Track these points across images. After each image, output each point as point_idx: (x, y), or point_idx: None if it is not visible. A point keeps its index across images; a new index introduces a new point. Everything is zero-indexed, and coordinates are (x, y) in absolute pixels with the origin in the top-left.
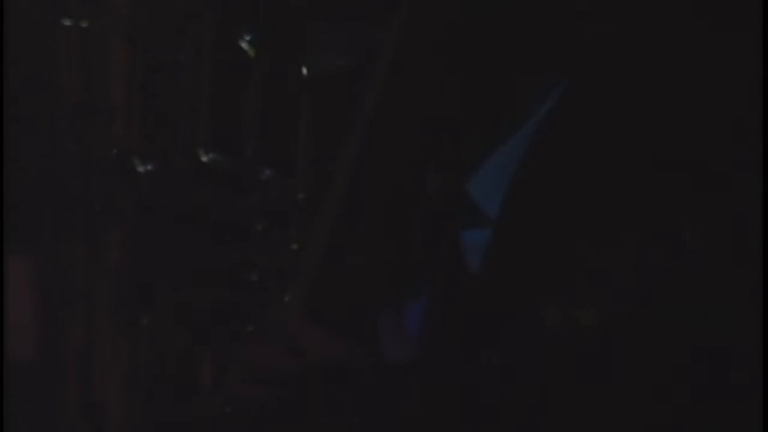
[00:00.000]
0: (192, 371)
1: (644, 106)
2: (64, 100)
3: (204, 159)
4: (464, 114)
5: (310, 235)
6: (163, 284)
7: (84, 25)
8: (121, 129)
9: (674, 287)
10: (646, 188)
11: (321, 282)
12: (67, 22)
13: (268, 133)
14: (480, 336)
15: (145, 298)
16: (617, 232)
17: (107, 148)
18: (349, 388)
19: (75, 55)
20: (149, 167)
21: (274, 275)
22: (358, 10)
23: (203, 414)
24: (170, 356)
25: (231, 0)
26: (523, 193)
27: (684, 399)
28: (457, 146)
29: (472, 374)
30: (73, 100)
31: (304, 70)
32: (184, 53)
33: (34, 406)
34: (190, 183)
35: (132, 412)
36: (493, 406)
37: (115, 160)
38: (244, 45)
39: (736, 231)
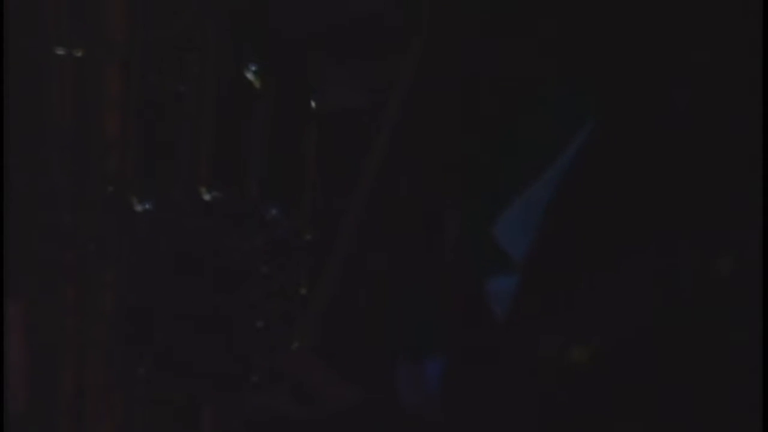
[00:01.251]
0: (192, 426)
1: (667, 148)
2: (56, 133)
3: (206, 197)
4: (485, 154)
5: (320, 278)
6: (161, 331)
7: (78, 53)
8: (117, 164)
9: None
10: (672, 226)
11: (331, 327)
12: (59, 51)
13: (273, 170)
14: (503, 390)
15: (141, 346)
16: (640, 276)
17: (102, 184)
18: None
19: (68, 86)
20: (147, 205)
21: (280, 321)
22: (369, 44)
23: None
24: (168, 409)
25: (235, 27)
26: (551, 238)
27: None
28: (479, 188)
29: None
30: (66, 133)
31: (312, 104)
32: (185, 84)
33: None
34: (191, 223)
35: None
36: None
37: (110, 198)
38: (248, 75)
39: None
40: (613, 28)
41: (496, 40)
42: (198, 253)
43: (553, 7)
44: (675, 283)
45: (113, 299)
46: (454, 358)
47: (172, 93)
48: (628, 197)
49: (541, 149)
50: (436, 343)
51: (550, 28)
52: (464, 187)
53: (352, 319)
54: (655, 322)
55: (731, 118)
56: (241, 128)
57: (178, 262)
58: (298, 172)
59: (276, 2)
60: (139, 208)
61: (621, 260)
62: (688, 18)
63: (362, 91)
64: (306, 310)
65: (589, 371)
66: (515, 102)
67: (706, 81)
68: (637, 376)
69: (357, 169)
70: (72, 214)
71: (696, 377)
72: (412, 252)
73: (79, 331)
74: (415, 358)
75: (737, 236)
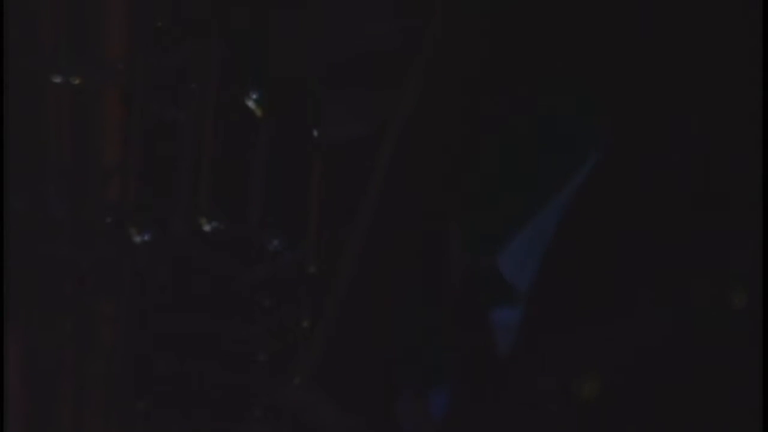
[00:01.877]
0: None
1: (677, 179)
2: (53, 163)
3: (206, 228)
4: (488, 184)
5: (322, 311)
6: (161, 365)
7: (75, 81)
8: (116, 194)
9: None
10: (675, 259)
11: (334, 361)
12: (56, 79)
13: (276, 199)
14: (507, 424)
15: (141, 380)
16: (649, 311)
17: (100, 215)
18: None
19: (65, 114)
20: (146, 236)
21: (283, 355)
22: (370, 73)
23: None
24: None
25: (237, 55)
26: (555, 270)
27: None
28: (483, 219)
29: None
30: (63, 162)
31: (315, 132)
32: (185, 112)
33: None
34: (191, 254)
35: None
36: None
37: (108, 229)
38: (250, 104)
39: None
40: (625, 59)
41: (500, 71)
42: (198, 286)
43: (560, 38)
44: (686, 317)
45: (112, 332)
46: (458, 391)
47: (172, 121)
48: (636, 229)
49: (546, 179)
50: (440, 375)
51: (557, 60)
52: (468, 218)
53: (355, 351)
54: (665, 356)
55: (743, 145)
56: (242, 157)
57: (177, 295)
58: (301, 202)
59: (277, 32)
60: (138, 239)
61: (628, 294)
62: (700, 50)
63: (365, 121)
64: (308, 343)
65: (594, 406)
66: (520, 131)
67: (718, 117)
68: (644, 412)
69: (360, 200)
70: (70, 245)
71: (704, 413)
72: (415, 283)
73: (77, 363)
74: (419, 392)
75: (748, 269)
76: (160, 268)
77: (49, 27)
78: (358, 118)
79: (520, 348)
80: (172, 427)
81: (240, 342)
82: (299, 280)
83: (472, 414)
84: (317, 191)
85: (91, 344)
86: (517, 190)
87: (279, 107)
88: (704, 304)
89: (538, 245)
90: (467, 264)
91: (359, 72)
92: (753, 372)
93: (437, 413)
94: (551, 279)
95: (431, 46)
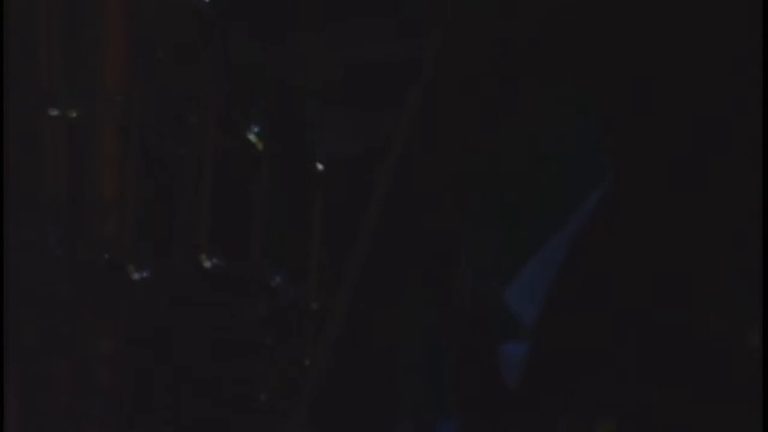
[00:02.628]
0: None
1: (690, 212)
2: (50, 198)
3: (206, 264)
4: (494, 215)
5: (324, 345)
6: (159, 404)
7: (72, 114)
8: (113, 230)
9: None
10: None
11: (335, 397)
12: (53, 112)
13: (276, 235)
14: None
15: (138, 420)
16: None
17: (97, 251)
18: None
19: (62, 148)
20: (144, 273)
21: (284, 393)
22: (369, 96)
23: None
24: None
25: (236, 87)
26: (562, 303)
27: None
28: (489, 252)
29: None
30: (60, 197)
31: (319, 166)
32: (184, 145)
33: None
34: (191, 291)
35: None
36: None
37: (106, 265)
38: (250, 137)
39: None
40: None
41: (509, 96)
42: (198, 323)
43: (570, 64)
44: (700, 357)
45: (110, 371)
46: (465, 423)
47: (171, 156)
48: (646, 264)
49: (552, 211)
50: (446, 407)
51: (566, 88)
52: (473, 252)
53: (357, 388)
54: (678, 395)
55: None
56: (242, 192)
57: (177, 333)
58: (302, 237)
59: (276, 61)
60: (136, 275)
61: (643, 330)
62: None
63: (365, 143)
64: (310, 380)
65: None
66: (527, 161)
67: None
68: None
69: (362, 235)
70: (68, 283)
71: None
72: (422, 315)
73: (74, 404)
74: (424, 424)
75: (763, 308)
76: (159, 305)
77: (47, 59)
78: (358, 139)
79: (525, 383)
80: None
81: (241, 382)
82: (301, 317)
83: None
84: (319, 226)
85: (89, 384)
86: (525, 223)
87: (280, 141)
88: (721, 342)
89: (542, 280)
90: (473, 298)
91: (359, 94)
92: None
93: None
94: (560, 314)
95: (433, 68)
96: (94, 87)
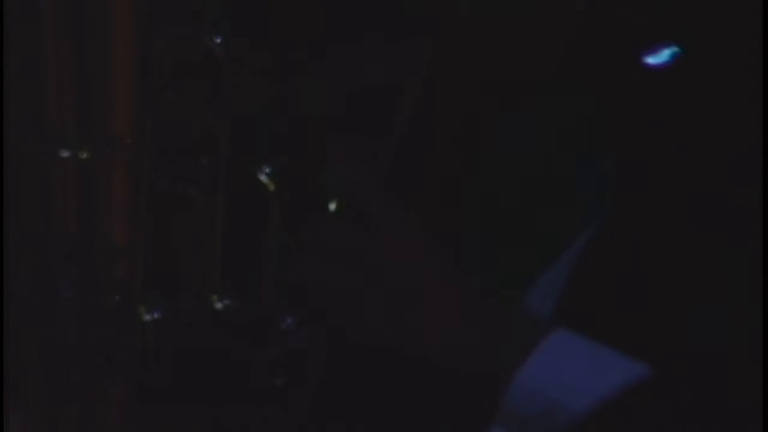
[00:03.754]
0: None
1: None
2: (59, 240)
3: (217, 306)
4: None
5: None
6: None
7: (83, 156)
8: (124, 272)
9: None
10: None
11: None
12: (63, 153)
13: (289, 277)
14: None
15: None
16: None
17: (108, 294)
18: None
19: (72, 190)
20: (155, 315)
21: None
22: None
23: None
24: None
25: (249, 127)
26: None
27: None
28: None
29: None
30: (69, 239)
31: (332, 206)
32: (196, 187)
33: None
34: (202, 334)
35: None
36: None
37: (116, 308)
38: (262, 178)
39: None
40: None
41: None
42: (209, 366)
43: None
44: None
45: (121, 416)
46: None
47: (182, 197)
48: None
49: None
50: None
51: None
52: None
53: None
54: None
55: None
56: (254, 233)
57: (187, 376)
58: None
59: (287, 104)
60: (147, 317)
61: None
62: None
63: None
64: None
65: None
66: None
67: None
68: None
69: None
70: (77, 326)
71: None
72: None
73: None
74: None
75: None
76: (170, 348)
77: (57, 100)
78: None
79: None
80: None
81: (251, 423)
82: (314, 359)
83: None
84: None
85: (98, 430)
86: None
87: (292, 180)
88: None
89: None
90: None
91: (366, 121)
92: None
93: None
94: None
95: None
96: (105, 128)
